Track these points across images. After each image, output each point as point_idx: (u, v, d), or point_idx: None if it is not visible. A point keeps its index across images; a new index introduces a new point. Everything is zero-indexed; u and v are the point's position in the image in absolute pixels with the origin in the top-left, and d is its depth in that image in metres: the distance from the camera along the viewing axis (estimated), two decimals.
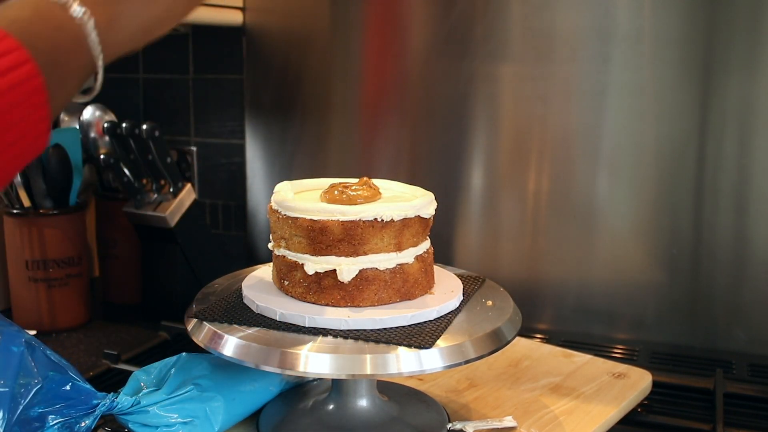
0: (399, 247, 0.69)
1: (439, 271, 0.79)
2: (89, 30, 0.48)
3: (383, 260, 0.69)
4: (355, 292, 0.68)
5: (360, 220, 0.67)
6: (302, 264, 0.69)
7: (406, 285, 0.70)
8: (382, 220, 0.67)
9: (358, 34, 1.22)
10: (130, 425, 0.69)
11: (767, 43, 0.98)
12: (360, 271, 0.68)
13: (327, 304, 0.69)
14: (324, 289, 0.69)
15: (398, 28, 1.18)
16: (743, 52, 0.99)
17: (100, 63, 0.50)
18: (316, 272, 0.69)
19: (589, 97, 1.07)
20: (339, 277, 0.68)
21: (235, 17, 1.27)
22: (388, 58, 1.20)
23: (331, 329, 0.66)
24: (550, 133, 1.10)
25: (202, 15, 1.20)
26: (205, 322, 0.69)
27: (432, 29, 1.15)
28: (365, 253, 0.68)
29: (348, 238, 0.67)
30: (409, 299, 0.71)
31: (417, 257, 0.71)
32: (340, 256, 0.68)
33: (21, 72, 0.42)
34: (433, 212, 0.73)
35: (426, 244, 0.73)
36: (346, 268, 0.68)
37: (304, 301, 0.70)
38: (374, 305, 0.69)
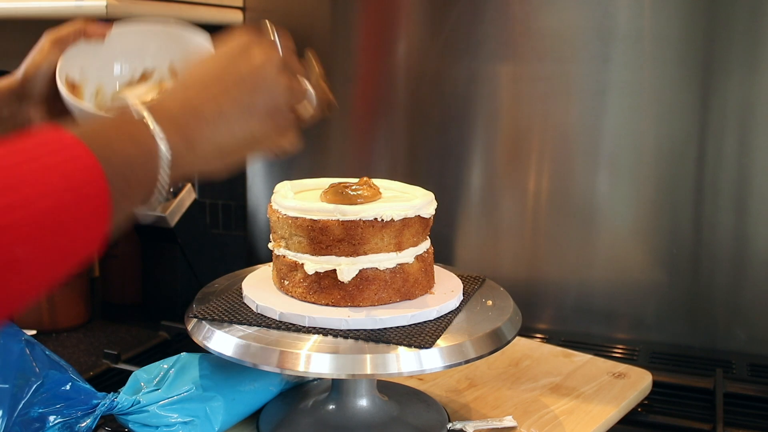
0: (399, 247, 0.69)
1: (439, 271, 0.79)
2: (163, 150, 0.49)
3: (383, 260, 0.69)
4: (355, 292, 0.68)
5: (360, 219, 0.67)
6: (302, 264, 0.69)
7: (406, 285, 0.70)
8: (382, 220, 0.67)
9: (358, 34, 1.22)
10: (130, 425, 0.69)
11: (767, 43, 0.98)
12: (360, 270, 0.68)
13: (327, 304, 0.69)
14: (324, 288, 0.69)
15: (398, 28, 1.18)
16: (743, 52, 0.99)
17: (163, 181, 0.50)
18: (316, 272, 0.69)
19: (589, 97, 1.07)
20: (339, 277, 0.68)
21: (235, 17, 1.27)
22: (388, 58, 1.19)
23: (331, 329, 0.66)
24: (550, 133, 1.10)
25: (202, 15, 1.20)
26: (205, 322, 0.69)
27: (432, 29, 1.15)
28: (365, 253, 0.68)
29: (348, 237, 0.67)
30: (410, 299, 0.71)
31: (417, 257, 0.71)
32: (340, 255, 0.68)
33: (93, 188, 0.43)
34: (433, 212, 0.73)
35: (426, 244, 0.74)
36: (346, 268, 0.68)
37: (304, 301, 0.70)
38: (374, 305, 0.69)
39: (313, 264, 0.69)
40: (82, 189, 0.42)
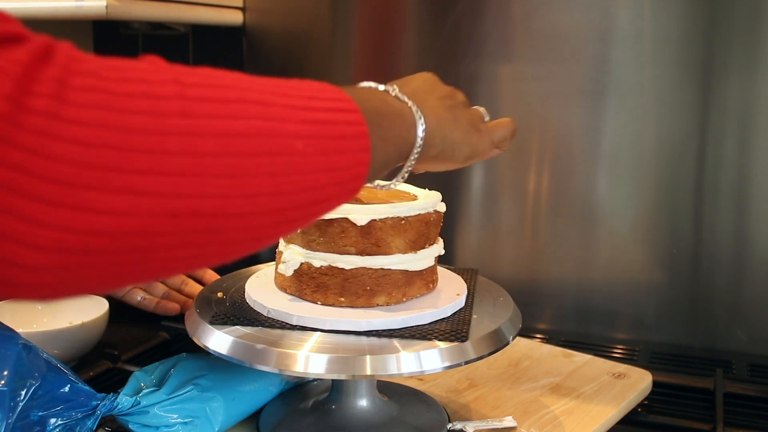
0: (414, 247, 0.70)
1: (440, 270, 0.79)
2: (414, 111, 0.54)
3: (401, 261, 0.69)
4: (376, 291, 0.69)
5: (377, 220, 0.67)
6: (343, 267, 0.69)
7: (405, 286, 0.70)
8: (399, 218, 0.68)
9: (358, 34, 1.22)
10: (130, 425, 0.69)
11: (767, 43, 0.98)
12: (377, 270, 0.68)
13: (326, 304, 0.69)
14: (321, 286, 0.69)
15: (398, 28, 1.18)
16: (743, 52, 0.99)
17: (420, 137, 0.54)
18: (318, 270, 0.69)
19: (589, 97, 1.07)
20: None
21: (235, 17, 1.27)
22: (388, 58, 1.19)
23: (334, 330, 0.66)
24: (550, 133, 1.10)
25: (202, 15, 1.20)
26: (205, 322, 0.69)
27: (432, 29, 1.15)
28: (385, 253, 0.68)
29: (366, 236, 0.68)
30: (407, 299, 0.71)
31: (431, 257, 0.71)
32: (363, 255, 0.68)
33: (353, 116, 0.46)
34: (443, 209, 0.73)
35: (439, 246, 0.73)
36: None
37: (304, 300, 0.70)
38: (375, 306, 0.69)
39: (320, 261, 0.69)
40: (348, 114, 0.46)
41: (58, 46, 0.36)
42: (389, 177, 0.58)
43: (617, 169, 1.08)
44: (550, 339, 1.06)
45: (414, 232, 0.69)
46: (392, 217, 0.67)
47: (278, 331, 0.66)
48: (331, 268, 0.69)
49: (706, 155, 1.03)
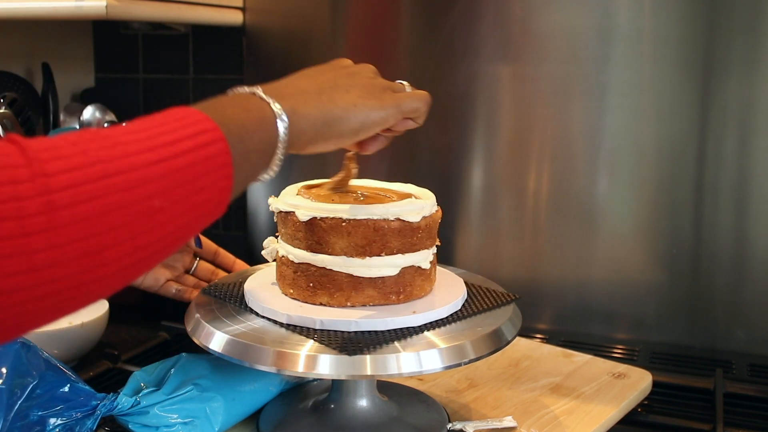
0: (363, 253, 0.68)
1: (451, 277, 0.79)
2: (275, 110, 0.55)
3: (344, 263, 0.68)
4: (318, 288, 0.69)
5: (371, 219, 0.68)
6: (293, 260, 0.70)
7: (397, 287, 0.70)
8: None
9: (357, 35, 1.22)
10: (130, 426, 0.69)
11: (767, 43, 0.98)
12: (320, 269, 0.69)
13: (284, 293, 0.71)
14: (281, 276, 0.71)
15: (397, 28, 1.18)
16: (743, 52, 0.99)
17: (281, 139, 0.56)
18: (281, 259, 0.70)
19: (589, 97, 1.07)
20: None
21: (235, 17, 1.27)
22: (387, 58, 1.19)
23: (329, 330, 0.66)
24: (550, 133, 1.10)
25: (202, 15, 1.20)
26: (204, 322, 0.69)
27: (431, 29, 1.15)
28: (328, 253, 0.68)
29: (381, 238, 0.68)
30: (397, 303, 0.70)
31: (390, 267, 0.70)
32: (309, 251, 0.69)
33: (215, 148, 0.49)
34: (418, 219, 0.69)
35: (408, 258, 0.70)
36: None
37: (300, 300, 0.70)
38: (333, 306, 0.69)
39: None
40: (207, 148, 0.48)
41: None
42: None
43: (617, 169, 1.08)
44: (550, 339, 1.06)
45: (360, 237, 0.68)
46: (332, 218, 0.67)
47: (278, 331, 0.67)
48: (286, 258, 0.71)
49: (706, 155, 1.03)
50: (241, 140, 0.51)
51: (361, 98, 0.61)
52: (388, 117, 0.63)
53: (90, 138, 0.44)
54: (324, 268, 0.68)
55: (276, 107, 0.55)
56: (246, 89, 0.57)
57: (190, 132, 0.48)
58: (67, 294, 0.42)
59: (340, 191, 0.74)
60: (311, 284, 0.69)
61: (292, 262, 0.70)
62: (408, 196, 0.74)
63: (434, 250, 0.74)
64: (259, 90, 0.56)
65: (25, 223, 0.39)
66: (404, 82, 0.67)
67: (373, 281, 0.69)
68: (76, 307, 0.44)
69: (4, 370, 0.63)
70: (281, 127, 0.55)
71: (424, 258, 0.71)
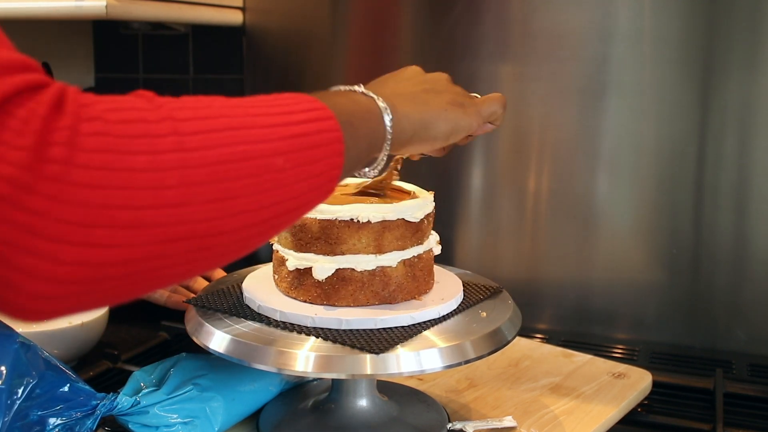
0: (379, 250, 0.69)
1: (447, 275, 0.79)
2: (380, 104, 0.58)
3: (360, 261, 0.69)
4: (331, 291, 0.69)
5: (336, 219, 0.67)
6: (287, 259, 0.70)
7: (386, 288, 0.70)
8: (359, 221, 0.67)
9: (358, 35, 1.22)
10: (130, 426, 0.69)
11: (767, 43, 0.98)
12: (337, 270, 0.68)
13: (305, 301, 0.70)
14: (302, 285, 0.70)
15: (398, 27, 1.18)
16: (743, 52, 0.99)
17: (388, 126, 0.58)
18: (297, 268, 0.70)
19: (589, 97, 1.07)
20: (314, 275, 0.68)
21: (235, 17, 1.27)
22: (388, 58, 1.19)
23: (299, 325, 0.67)
24: (550, 133, 1.10)
25: (202, 15, 1.20)
26: (205, 322, 0.69)
27: (431, 29, 1.15)
28: (342, 253, 0.68)
29: (325, 236, 0.68)
30: (390, 303, 0.70)
31: (403, 261, 0.70)
32: (318, 253, 0.69)
33: (327, 124, 0.50)
34: (422, 216, 0.71)
35: (416, 249, 0.72)
36: (320, 266, 0.68)
37: (309, 302, 0.70)
38: (350, 305, 0.69)
39: (294, 260, 0.70)
40: (320, 122, 0.49)
41: (68, 93, 0.40)
42: None
43: (617, 169, 1.07)
44: (550, 339, 1.06)
45: (372, 236, 0.69)
46: (345, 219, 0.68)
47: (278, 331, 0.67)
48: (293, 261, 0.70)
49: (706, 155, 1.03)
50: (351, 125, 0.53)
51: (449, 104, 0.64)
52: (473, 123, 0.66)
53: (210, 99, 0.46)
54: (336, 268, 0.69)
55: (381, 102, 0.58)
56: (346, 87, 0.59)
57: (303, 107, 0.49)
58: (199, 243, 0.42)
59: (374, 193, 0.75)
60: (326, 288, 0.69)
61: (299, 264, 0.70)
62: (408, 193, 0.75)
63: (438, 245, 0.75)
64: (360, 87, 0.58)
65: (157, 159, 0.40)
66: (476, 94, 0.69)
67: (384, 278, 0.69)
68: (205, 265, 0.45)
69: (3, 369, 0.63)
70: (387, 120, 0.58)
71: (426, 248, 0.73)
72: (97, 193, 0.38)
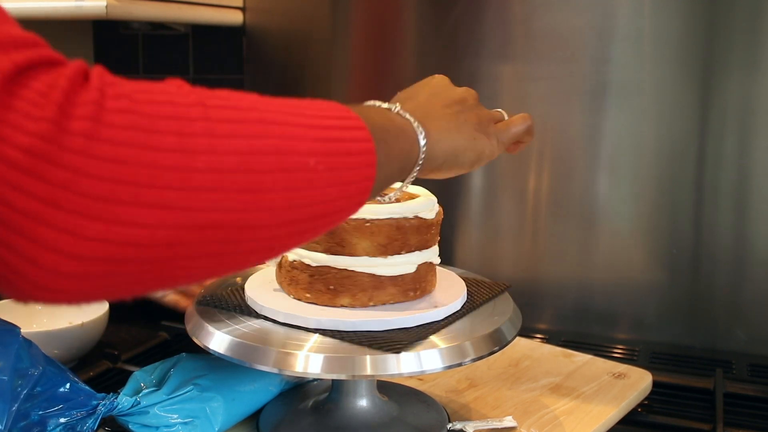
0: (383, 252, 0.69)
1: (450, 276, 0.79)
2: (415, 125, 0.57)
3: (364, 263, 0.68)
4: (333, 291, 0.69)
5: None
6: (309, 264, 0.70)
7: (388, 289, 0.70)
8: (365, 222, 0.67)
9: (358, 35, 1.22)
10: (130, 426, 0.69)
11: (767, 43, 0.98)
12: (339, 270, 0.68)
13: (307, 301, 0.70)
14: (305, 285, 0.70)
15: (398, 27, 1.18)
16: (743, 52, 0.99)
17: (422, 151, 0.57)
18: (298, 268, 0.70)
19: (589, 97, 1.07)
20: (317, 275, 0.68)
21: (235, 17, 1.27)
22: (388, 58, 1.19)
23: (331, 330, 0.66)
24: (550, 133, 1.10)
25: (202, 15, 1.20)
26: (205, 322, 0.69)
27: (432, 29, 1.15)
28: (347, 254, 0.68)
29: (330, 236, 0.68)
30: (391, 303, 0.70)
31: (407, 264, 0.70)
32: (323, 253, 0.69)
33: (360, 134, 0.49)
34: (431, 216, 0.71)
35: (420, 254, 0.71)
36: (323, 266, 0.68)
37: (318, 304, 0.70)
38: (352, 306, 0.69)
39: (297, 259, 0.70)
40: (353, 131, 0.49)
41: (93, 70, 0.39)
42: None
43: (617, 169, 1.08)
44: (550, 339, 1.06)
45: (384, 236, 0.68)
46: (356, 218, 0.67)
47: (278, 332, 0.67)
48: (300, 263, 0.70)
49: (706, 155, 1.03)
50: (385, 142, 0.52)
51: (477, 131, 0.63)
52: (495, 151, 0.66)
53: (243, 93, 0.45)
54: (345, 269, 0.68)
55: (416, 126, 0.57)
56: (380, 104, 0.58)
57: (337, 114, 0.49)
58: (225, 234, 0.41)
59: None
60: (331, 287, 0.69)
61: (308, 266, 0.69)
62: (414, 195, 0.75)
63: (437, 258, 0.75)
64: (397, 106, 0.58)
65: (185, 141, 0.39)
66: (502, 111, 0.69)
67: (393, 279, 0.69)
68: (227, 263, 0.44)
69: (6, 362, 0.63)
70: (422, 144, 0.57)
71: (434, 254, 0.73)
72: (122, 169, 0.37)
